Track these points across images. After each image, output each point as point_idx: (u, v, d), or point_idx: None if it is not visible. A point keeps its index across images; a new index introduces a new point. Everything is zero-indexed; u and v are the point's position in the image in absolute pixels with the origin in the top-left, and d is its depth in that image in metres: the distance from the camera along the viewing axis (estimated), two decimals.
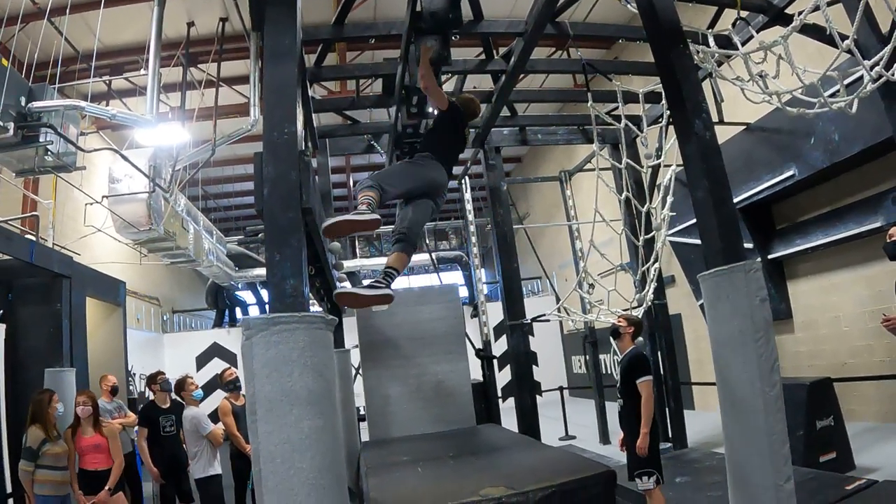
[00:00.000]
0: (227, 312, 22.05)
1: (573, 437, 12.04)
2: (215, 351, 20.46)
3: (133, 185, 11.78)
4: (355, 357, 9.13)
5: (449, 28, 5.03)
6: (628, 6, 6.45)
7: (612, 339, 6.45)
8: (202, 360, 20.18)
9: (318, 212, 3.90)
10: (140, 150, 12.27)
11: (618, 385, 6.16)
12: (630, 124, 7.66)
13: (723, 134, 10.05)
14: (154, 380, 8.12)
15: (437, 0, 4.79)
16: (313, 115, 7.80)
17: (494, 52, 7.54)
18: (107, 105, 14.58)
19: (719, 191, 4.21)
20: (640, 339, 6.47)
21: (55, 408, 6.98)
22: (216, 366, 19.78)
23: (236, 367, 20.17)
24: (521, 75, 13.68)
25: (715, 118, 8.88)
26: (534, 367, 9.44)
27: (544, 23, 6.33)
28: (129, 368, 14.96)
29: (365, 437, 8.43)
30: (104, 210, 11.98)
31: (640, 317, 6.76)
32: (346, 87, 14.83)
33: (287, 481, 2.98)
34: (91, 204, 11.81)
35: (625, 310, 8.35)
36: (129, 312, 17.06)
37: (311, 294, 6.53)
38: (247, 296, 23.35)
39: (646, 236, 7.87)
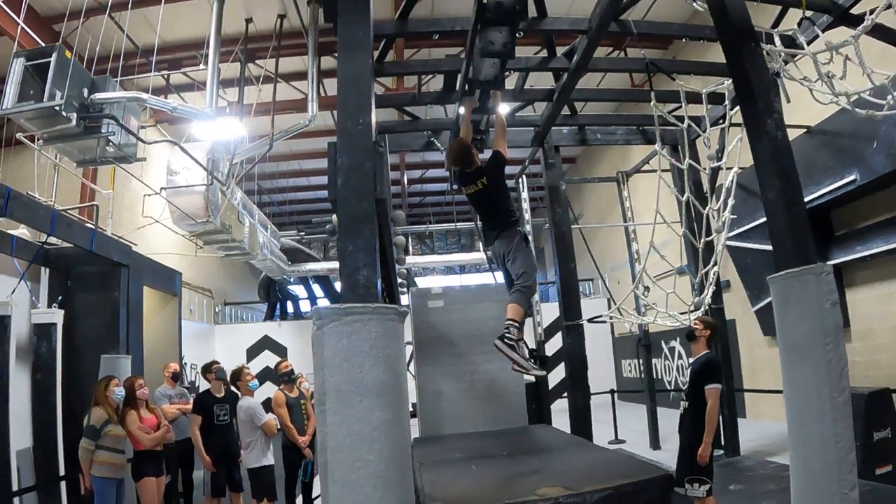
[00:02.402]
0: (278, 306, 22.30)
1: (623, 441, 11.89)
2: (266, 343, 20.68)
3: (191, 177, 11.97)
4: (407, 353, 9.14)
5: (515, 20, 4.98)
6: (694, 5, 6.33)
7: (687, 340, 6.33)
8: (253, 352, 20.41)
9: (389, 204, 3.89)
10: (197, 143, 12.43)
11: (685, 387, 6.06)
12: (693, 124, 7.52)
13: None
14: (209, 369, 8.21)
15: None
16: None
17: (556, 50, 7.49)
18: (166, 99, 14.91)
19: (790, 191, 4.15)
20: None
21: (112, 391, 7.10)
22: (266, 358, 20.04)
23: (286, 359, 20.54)
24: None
25: None
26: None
27: (609, 20, 6.25)
28: (182, 358, 15.25)
29: (416, 433, 8.41)
30: (161, 202, 12.19)
31: (717, 319, 6.61)
32: (404, 84, 14.87)
33: (353, 472, 2.96)
34: (150, 195, 12.03)
35: (682, 313, 8.21)
36: (183, 303, 17.39)
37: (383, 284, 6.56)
38: (299, 290, 23.57)
39: (706, 239, 7.71)
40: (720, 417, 9.20)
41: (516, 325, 5.26)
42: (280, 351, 20.27)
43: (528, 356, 5.39)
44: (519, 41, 5.35)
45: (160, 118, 15.24)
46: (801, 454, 3.89)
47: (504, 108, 8.20)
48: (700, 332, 6.05)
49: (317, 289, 22.93)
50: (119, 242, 10.03)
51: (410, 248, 23.65)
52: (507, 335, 5.23)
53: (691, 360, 6.21)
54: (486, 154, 5.92)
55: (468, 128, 6.55)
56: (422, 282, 24.10)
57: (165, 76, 14.83)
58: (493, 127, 6.59)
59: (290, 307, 22.74)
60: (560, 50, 7.52)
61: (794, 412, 3.95)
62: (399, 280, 7.20)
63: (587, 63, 6.99)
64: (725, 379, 9.03)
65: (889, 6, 5.16)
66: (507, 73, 7.82)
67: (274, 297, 21.90)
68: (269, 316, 22.12)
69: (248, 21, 12.88)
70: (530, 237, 5.87)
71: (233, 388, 7.93)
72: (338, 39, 3.54)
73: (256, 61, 13.72)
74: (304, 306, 23.50)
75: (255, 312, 25.09)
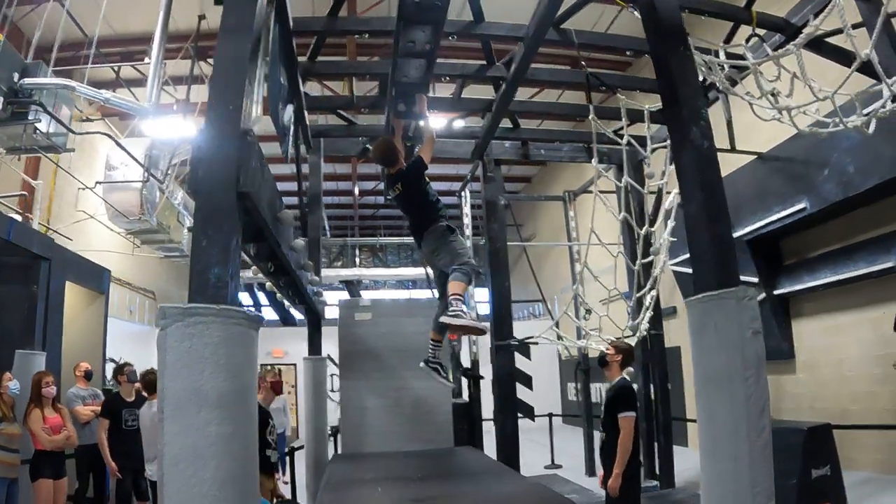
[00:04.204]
0: None
1: (559, 467, 11.68)
2: None
3: (129, 173, 11.59)
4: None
5: (436, 18, 4.74)
6: (634, 13, 6.12)
7: (599, 366, 6.09)
8: None
9: (271, 203, 3.57)
10: (143, 139, 12.07)
11: (601, 416, 5.81)
12: (635, 143, 7.32)
13: (734, 163, 9.82)
14: (121, 370, 7.84)
15: None
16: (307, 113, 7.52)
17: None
18: (114, 92, 14.52)
19: (714, 206, 3.77)
20: (631, 369, 6.07)
21: (7, 386, 6.73)
22: None
23: None
24: (538, 88, 13.43)
25: (726, 145, 8.58)
26: (529, 390, 9.07)
27: (546, 28, 5.98)
28: (118, 359, 14.74)
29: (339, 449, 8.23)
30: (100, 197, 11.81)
31: (630, 345, 6.37)
32: (355, 91, 14.61)
33: (187, 490, 2.64)
34: (83, 189, 11.63)
35: (617, 338, 8.00)
36: (122, 303, 16.88)
37: (282, 296, 6.26)
38: (244, 297, 23.10)
39: (643, 261, 7.50)
40: (655, 446, 8.99)
41: (460, 298, 5.06)
42: None
43: (445, 375, 5.58)
44: (461, 50, 5.12)
45: (107, 112, 14.79)
46: (714, 499, 3.49)
47: (439, 122, 7.98)
48: (612, 358, 5.80)
49: (262, 297, 22.49)
50: (41, 235, 9.61)
51: (359, 260, 23.33)
52: (430, 358, 5.50)
53: (607, 388, 5.96)
54: None
55: (401, 144, 6.36)
56: (372, 295, 23.76)
57: (115, 68, 14.43)
58: (422, 134, 6.36)
59: None
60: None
61: (707, 451, 3.57)
62: (316, 289, 6.90)
63: (524, 73, 6.70)
64: (664, 406, 8.83)
65: (839, 31, 4.97)
66: (445, 78, 7.64)
67: None
68: None
69: (201, 18, 12.54)
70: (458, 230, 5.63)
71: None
72: (220, 22, 3.27)
73: (208, 59, 13.39)
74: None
75: None
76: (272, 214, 3.64)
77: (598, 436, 10.04)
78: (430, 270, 6.00)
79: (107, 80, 15.14)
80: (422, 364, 5.48)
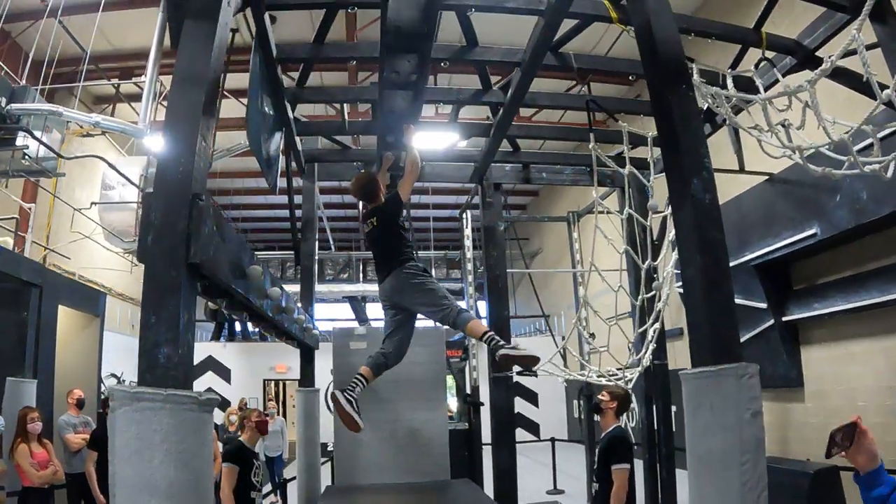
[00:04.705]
0: (225, 326, 21.79)
1: (561, 492, 11.43)
2: (210, 364, 20.26)
3: (126, 193, 11.43)
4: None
5: (420, 47, 4.50)
6: (630, 34, 5.85)
7: (594, 413, 5.83)
8: (196, 373, 19.62)
9: (234, 264, 3.31)
10: (141, 157, 11.92)
11: (595, 466, 5.53)
12: (635, 171, 7.04)
13: (743, 184, 9.54)
14: (107, 403, 7.66)
15: (404, 13, 4.17)
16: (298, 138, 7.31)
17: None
18: (113, 109, 14.43)
19: (715, 271, 3.32)
20: (634, 405, 5.80)
21: None
22: (210, 379, 19.55)
23: (229, 383, 20.02)
24: (536, 110, 13.18)
25: (735, 166, 8.30)
26: (533, 407, 8.86)
27: (543, 52, 5.72)
28: (120, 376, 14.63)
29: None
30: (98, 216, 11.68)
31: (627, 390, 6.07)
32: (358, 111, 14.42)
33: None
34: (79, 210, 11.49)
35: (618, 369, 7.74)
36: (124, 318, 16.76)
37: (268, 332, 6.05)
38: None
39: (646, 295, 7.22)
40: (657, 484, 8.69)
41: (493, 334, 5.11)
42: (223, 372, 19.80)
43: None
44: (456, 70, 4.89)
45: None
46: None
47: (433, 145, 7.75)
48: (606, 405, 5.50)
49: None
50: (30, 261, 9.48)
51: (363, 274, 23.21)
52: (347, 389, 5.27)
53: (601, 437, 5.68)
54: None
55: (385, 179, 6.40)
56: (378, 308, 23.57)
57: (115, 84, 14.31)
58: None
59: (237, 327, 22.19)
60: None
61: None
62: (306, 325, 6.72)
63: (522, 98, 6.45)
64: (667, 440, 8.54)
65: (853, 52, 4.62)
66: (440, 103, 7.39)
67: (220, 317, 21.32)
68: (216, 336, 21.61)
69: None
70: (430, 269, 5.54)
71: None
72: (175, 65, 3.03)
73: None
74: (252, 327, 22.62)
75: (203, 331, 24.53)
76: (236, 274, 3.40)
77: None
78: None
79: (107, 96, 15.07)
80: (337, 391, 5.26)
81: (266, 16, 5.05)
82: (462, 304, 5.43)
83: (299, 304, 6.65)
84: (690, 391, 3.18)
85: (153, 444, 2.51)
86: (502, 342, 4.99)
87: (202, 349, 20.89)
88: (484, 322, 5.22)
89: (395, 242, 5.42)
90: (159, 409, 2.52)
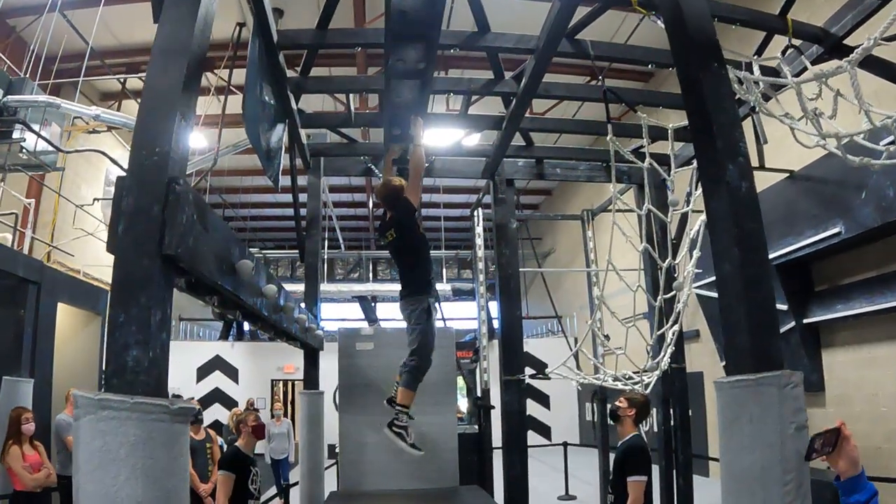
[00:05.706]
0: (234, 325, 21.66)
1: (573, 498, 11.11)
2: (217, 363, 20.14)
3: None
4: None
5: (427, 34, 4.20)
6: (658, 22, 5.53)
7: (611, 421, 5.52)
8: (203, 372, 19.93)
9: (221, 256, 3.01)
10: None
11: (611, 476, 5.23)
12: (655, 164, 6.70)
13: (762, 181, 9.18)
14: None
15: None
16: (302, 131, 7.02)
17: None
18: (119, 105, 14.21)
19: (754, 266, 2.94)
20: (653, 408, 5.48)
21: None
22: (217, 379, 19.44)
23: (237, 382, 19.85)
24: (550, 106, 12.83)
25: (755, 163, 7.93)
26: (545, 409, 8.55)
27: (558, 39, 5.41)
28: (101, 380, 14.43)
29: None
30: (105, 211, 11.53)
31: (646, 397, 5.74)
32: (368, 104, 14.13)
33: None
34: (81, 206, 11.29)
35: (635, 372, 7.41)
36: None
37: (266, 331, 5.78)
38: None
39: (665, 296, 6.89)
40: (674, 487, 8.37)
41: (406, 412, 5.34)
42: (231, 372, 19.66)
43: (411, 442, 5.39)
44: (468, 59, 4.59)
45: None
46: None
47: (443, 140, 7.45)
48: (624, 412, 5.20)
49: None
50: (28, 258, 9.28)
51: (373, 273, 22.98)
52: (395, 422, 5.35)
53: (618, 445, 5.36)
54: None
55: (390, 173, 6.13)
56: (389, 308, 23.35)
57: (121, 80, 14.13)
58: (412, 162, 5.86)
59: (246, 327, 22.04)
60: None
61: None
62: (308, 324, 6.43)
63: (536, 88, 6.14)
64: (684, 445, 8.23)
65: (893, 37, 4.28)
66: (449, 94, 7.08)
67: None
68: (225, 335, 21.48)
69: None
70: (439, 305, 5.85)
71: None
72: (154, 42, 2.74)
73: (214, 71, 13.03)
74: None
75: (212, 330, 24.32)
76: (223, 269, 3.10)
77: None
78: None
79: (114, 92, 14.87)
80: (385, 429, 5.40)
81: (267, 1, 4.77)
82: (429, 359, 5.67)
83: (301, 303, 6.37)
84: (726, 402, 2.81)
85: (118, 459, 2.23)
86: (398, 424, 5.33)
87: (210, 348, 20.88)
88: (411, 396, 5.43)
89: (417, 261, 5.51)
90: (125, 418, 2.23)
